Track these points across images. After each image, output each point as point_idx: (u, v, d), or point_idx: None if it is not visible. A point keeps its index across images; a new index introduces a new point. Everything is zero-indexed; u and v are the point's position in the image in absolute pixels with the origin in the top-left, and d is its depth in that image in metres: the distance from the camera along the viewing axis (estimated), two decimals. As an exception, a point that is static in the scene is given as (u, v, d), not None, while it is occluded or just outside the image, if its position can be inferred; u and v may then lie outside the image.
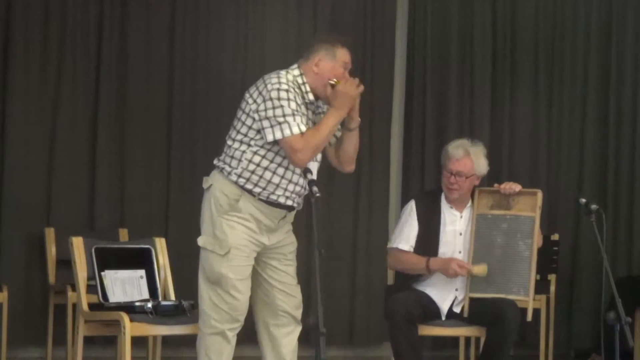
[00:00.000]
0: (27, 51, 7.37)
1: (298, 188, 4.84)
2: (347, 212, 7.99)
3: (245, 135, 4.77)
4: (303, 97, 4.79)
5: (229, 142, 4.82)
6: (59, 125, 7.43)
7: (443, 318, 5.64)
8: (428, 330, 5.62)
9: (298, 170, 4.80)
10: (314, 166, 4.88)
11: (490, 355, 5.45)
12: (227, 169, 4.80)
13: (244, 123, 4.77)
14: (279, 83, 4.71)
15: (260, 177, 4.76)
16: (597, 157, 8.30)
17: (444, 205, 5.71)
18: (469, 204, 5.71)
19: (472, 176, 5.63)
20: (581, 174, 8.29)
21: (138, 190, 7.58)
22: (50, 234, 7.16)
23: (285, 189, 4.81)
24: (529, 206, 5.60)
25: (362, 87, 4.81)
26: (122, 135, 7.57)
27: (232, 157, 4.79)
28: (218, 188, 4.80)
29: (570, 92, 8.31)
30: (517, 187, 5.61)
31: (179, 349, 7.07)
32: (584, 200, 5.46)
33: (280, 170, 4.78)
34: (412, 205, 5.73)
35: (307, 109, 4.82)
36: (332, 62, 4.81)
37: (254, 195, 4.78)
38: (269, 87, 4.71)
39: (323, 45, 4.84)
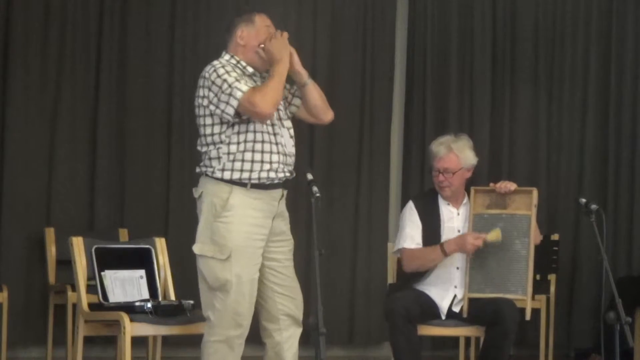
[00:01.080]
0: (27, 51, 7.38)
1: (282, 157, 4.83)
2: (347, 212, 7.99)
3: (213, 134, 4.77)
4: (243, 72, 4.83)
5: (204, 149, 4.83)
6: (59, 125, 7.44)
7: (443, 317, 5.64)
8: (427, 330, 5.61)
9: (274, 139, 4.80)
10: (289, 142, 4.89)
11: (489, 355, 5.44)
12: (210, 169, 4.79)
13: (205, 125, 4.79)
14: (212, 66, 4.79)
15: (243, 160, 4.75)
16: (597, 157, 8.30)
17: (442, 203, 5.72)
18: (465, 200, 5.73)
19: (460, 170, 5.65)
20: (581, 174, 8.29)
21: (138, 190, 7.58)
22: (50, 234, 7.16)
23: (271, 162, 4.79)
24: (524, 205, 5.60)
25: (286, 34, 4.85)
26: (122, 135, 7.57)
27: (211, 158, 4.79)
28: (210, 193, 4.79)
29: (570, 92, 8.32)
30: (512, 186, 5.62)
31: (179, 349, 7.07)
32: (584, 200, 5.46)
33: (258, 146, 4.77)
34: (411, 206, 5.73)
35: (253, 80, 4.84)
36: (254, 29, 4.87)
37: (245, 185, 4.76)
38: (206, 75, 4.77)
39: (240, 18, 4.91)
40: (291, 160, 4.90)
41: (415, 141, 8.11)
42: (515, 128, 8.26)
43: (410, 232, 5.66)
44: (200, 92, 4.79)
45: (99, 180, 7.49)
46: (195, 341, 4.96)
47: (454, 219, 5.71)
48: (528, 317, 5.52)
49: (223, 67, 4.77)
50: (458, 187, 5.69)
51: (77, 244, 5.71)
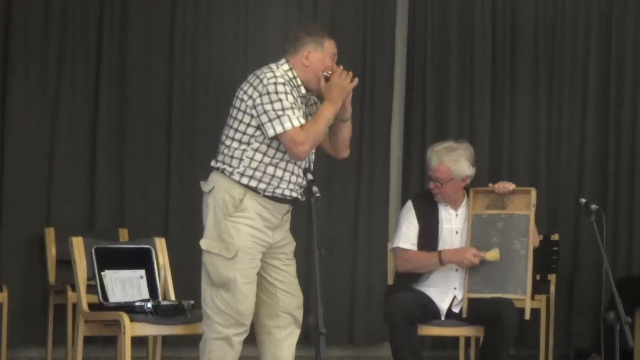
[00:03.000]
0: (27, 51, 7.38)
1: (300, 179, 4.85)
2: (347, 212, 7.99)
3: (244, 134, 4.75)
4: (298, 91, 4.80)
5: (227, 142, 4.79)
6: (59, 125, 7.44)
7: (442, 318, 5.65)
8: (427, 331, 5.62)
9: (301, 163, 4.81)
10: (310, 157, 4.90)
11: (488, 355, 5.45)
12: (229, 169, 4.77)
13: (241, 121, 4.76)
14: (275, 77, 4.72)
15: (264, 172, 4.75)
16: (597, 157, 8.31)
17: (440, 204, 5.72)
18: (464, 202, 5.72)
19: (451, 181, 5.63)
20: (581, 174, 8.30)
21: (138, 190, 7.58)
22: (50, 234, 7.16)
23: (289, 181, 4.81)
24: (523, 205, 5.61)
25: (356, 81, 4.82)
26: (122, 135, 7.57)
27: (232, 157, 4.77)
28: (222, 190, 4.77)
29: (570, 92, 8.32)
30: (510, 186, 5.63)
31: (179, 349, 7.08)
32: (584, 200, 5.47)
33: (282, 164, 4.78)
34: (409, 205, 5.74)
35: (301, 104, 4.82)
36: (322, 54, 4.84)
37: (259, 193, 4.77)
38: (265, 81, 4.71)
39: (310, 38, 4.85)
40: (305, 184, 4.89)
41: (415, 141, 8.11)
42: (516, 128, 8.26)
43: (406, 232, 5.67)
44: (250, 91, 4.75)
45: (98, 180, 7.49)
46: (195, 341, 4.96)
47: (452, 220, 5.71)
48: (527, 316, 5.53)
49: (283, 84, 4.70)
50: (452, 194, 5.67)
51: (77, 244, 5.71)
